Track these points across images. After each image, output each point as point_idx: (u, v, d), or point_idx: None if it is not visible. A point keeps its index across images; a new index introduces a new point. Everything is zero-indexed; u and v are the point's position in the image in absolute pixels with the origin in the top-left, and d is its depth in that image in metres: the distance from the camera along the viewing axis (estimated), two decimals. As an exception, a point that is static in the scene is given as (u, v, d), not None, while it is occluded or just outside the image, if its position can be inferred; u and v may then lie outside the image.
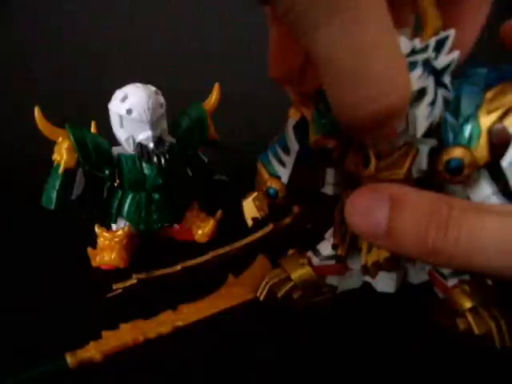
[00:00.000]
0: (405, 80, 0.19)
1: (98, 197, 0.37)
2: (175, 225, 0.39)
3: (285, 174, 0.32)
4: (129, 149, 0.35)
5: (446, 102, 0.25)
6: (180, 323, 0.32)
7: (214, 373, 0.29)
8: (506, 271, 0.19)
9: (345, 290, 0.34)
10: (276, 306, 0.32)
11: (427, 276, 0.32)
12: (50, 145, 0.35)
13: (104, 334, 0.31)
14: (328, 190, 0.32)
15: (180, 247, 0.39)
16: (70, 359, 0.29)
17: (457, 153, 0.25)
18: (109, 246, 0.37)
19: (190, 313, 0.33)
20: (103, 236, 0.37)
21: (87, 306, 0.33)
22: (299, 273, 0.32)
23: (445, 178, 0.26)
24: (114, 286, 0.34)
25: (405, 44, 0.23)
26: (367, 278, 0.33)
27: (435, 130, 0.26)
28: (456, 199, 0.20)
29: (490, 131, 0.25)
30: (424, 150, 0.26)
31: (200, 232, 0.39)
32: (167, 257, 0.36)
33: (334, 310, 0.33)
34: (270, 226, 0.36)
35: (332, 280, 0.33)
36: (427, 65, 0.24)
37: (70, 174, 0.34)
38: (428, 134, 0.26)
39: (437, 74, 0.24)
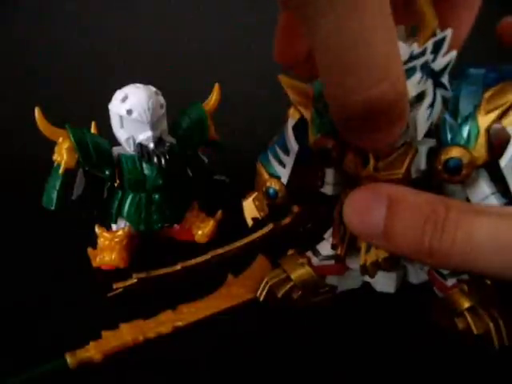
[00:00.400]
0: (397, 69, 0.18)
1: (98, 197, 0.37)
2: (175, 225, 0.39)
3: (284, 174, 0.32)
4: (129, 149, 0.35)
5: (444, 101, 0.25)
6: (180, 323, 0.32)
7: (213, 373, 0.29)
8: (503, 272, 0.19)
9: (344, 290, 0.34)
10: (276, 306, 0.32)
11: (427, 276, 0.32)
12: (51, 145, 0.35)
13: (104, 334, 0.31)
14: (327, 190, 0.32)
15: (180, 247, 0.39)
16: (69, 359, 0.29)
17: (455, 152, 0.25)
18: (109, 247, 0.37)
19: (189, 313, 0.33)
20: (103, 236, 0.37)
21: (87, 306, 0.33)
22: (299, 273, 0.32)
23: (443, 177, 0.26)
24: (115, 286, 0.34)
25: (403, 50, 0.23)
26: (367, 278, 0.33)
27: (434, 130, 0.26)
28: (453, 200, 0.21)
29: (488, 131, 0.25)
30: (423, 149, 0.26)
31: (200, 232, 0.39)
32: (167, 257, 0.36)
33: (334, 309, 0.33)
34: (270, 226, 0.36)
35: (332, 280, 0.33)
36: (425, 67, 0.24)
37: (70, 174, 0.34)
38: (427, 133, 0.26)
39: (435, 76, 0.24)
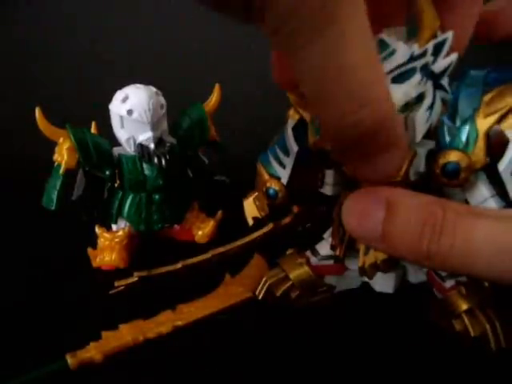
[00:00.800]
0: (379, 94, 0.18)
1: (98, 197, 0.37)
2: (175, 225, 0.39)
3: (284, 174, 0.32)
4: (129, 149, 0.35)
5: (444, 103, 0.25)
6: (179, 323, 0.32)
7: (213, 371, 0.30)
8: (501, 276, 0.19)
9: (343, 290, 0.34)
10: (274, 305, 0.32)
11: (425, 276, 0.32)
12: (51, 145, 0.35)
13: (104, 334, 0.31)
14: (327, 190, 0.32)
15: (180, 248, 0.39)
16: (70, 360, 0.29)
17: (453, 156, 0.25)
18: (109, 247, 0.37)
19: (189, 312, 0.33)
20: (103, 236, 0.37)
21: (87, 306, 0.33)
22: (297, 272, 0.32)
23: (442, 181, 0.26)
24: (116, 283, 0.34)
25: (403, 51, 0.23)
26: (366, 278, 0.33)
27: (433, 132, 0.26)
28: (451, 202, 0.20)
29: (487, 134, 0.25)
30: (422, 152, 0.26)
31: (200, 232, 0.39)
32: (167, 257, 0.36)
33: (333, 309, 0.33)
34: (270, 226, 0.36)
35: (330, 280, 0.33)
36: (425, 69, 0.24)
37: (70, 174, 0.34)
38: (426, 135, 0.26)
39: (435, 78, 0.24)
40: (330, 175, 0.32)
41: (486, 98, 0.25)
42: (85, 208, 0.36)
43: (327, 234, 0.34)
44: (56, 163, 0.34)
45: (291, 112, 0.31)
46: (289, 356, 0.30)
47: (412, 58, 0.23)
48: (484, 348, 0.28)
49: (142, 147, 0.35)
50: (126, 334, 0.31)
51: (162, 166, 0.35)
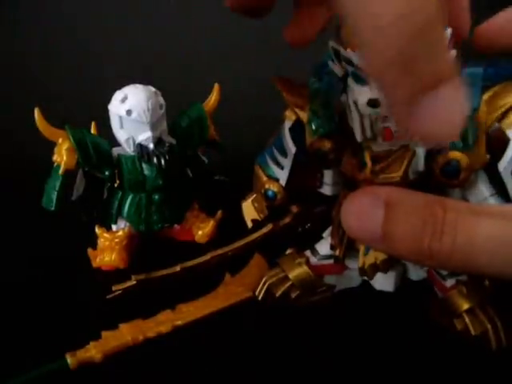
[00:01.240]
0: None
1: (98, 197, 0.37)
2: (175, 225, 0.39)
3: (283, 176, 0.32)
4: (129, 149, 0.35)
5: None
6: (179, 322, 0.32)
7: (213, 371, 0.30)
8: (503, 271, 0.19)
9: (343, 289, 0.34)
10: (274, 305, 0.32)
11: (426, 273, 0.32)
12: (51, 145, 0.35)
13: (104, 334, 0.31)
14: (326, 190, 0.32)
15: (180, 248, 0.39)
16: (70, 359, 0.29)
17: (454, 156, 0.25)
18: (109, 247, 0.37)
19: (188, 312, 0.33)
20: (103, 237, 0.37)
21: (87, 306, 0.34)
22: (297, 272, 0.32)
23: (441, 181, 0.26)
24: (113, 288, 0.34)
25: None
26: (366, 278, 0.33)
27: None
28: (451, 200, 0.20)
29: (487, 134, 0.25)
30: (421, 151, 0.26)
31: (200, 232, 0.39)
32: (167, 257, 0.36)
33: (333, 308, 0.33)
34: (269, 226, 0.36)
35: (330, 279, 0.33)
36: None
37: (70, 174, 0.34)
38: None
39: None
40: (328, 175, 0.32)
41: (486, 96, 0.25)
42: (84, 208, 0.36)
43: (327, 234, 0.34)
44: (55, 164, 0.35)
45: (288, 113, 0.31)
46: (289, 356, 0.30)
47: None
48: (485, 347, 0.28)
49: (141, 147, 0.35)
50: (126, 333, 0.31)
51: (162, 166, 0.35)
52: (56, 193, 0.34)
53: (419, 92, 0.17)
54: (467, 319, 0.28)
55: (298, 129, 0.30)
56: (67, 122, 0.35)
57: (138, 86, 0.35)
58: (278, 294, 0.32)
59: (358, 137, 0.26)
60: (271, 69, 0.31)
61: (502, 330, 0.28)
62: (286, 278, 0.32)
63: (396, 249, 0.20)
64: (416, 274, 0.33)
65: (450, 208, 0.20)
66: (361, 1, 0.17)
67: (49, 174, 0.35)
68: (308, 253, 0.33)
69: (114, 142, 0.36)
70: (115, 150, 0.36)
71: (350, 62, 0.24)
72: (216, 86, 0.39)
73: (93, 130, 0.39)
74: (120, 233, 0.37)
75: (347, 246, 0.30)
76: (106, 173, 0.36)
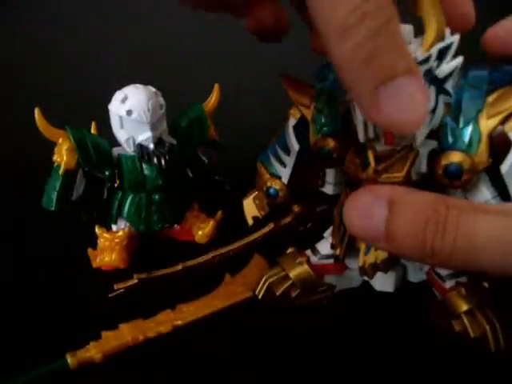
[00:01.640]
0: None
1: (98, 198, 0.37)
2: (175, 225, 0.39)
3: (285, 173, 0.32)
4: (129, 150, 0.35)
5: (447, 105, 0.25)
6: (179, 322, 0.32)
7: (213, 371, 0.30)
8: (504, 270, 0.20)
9: (343, 289, 0.34)
10: (274, 304, 0.32)
11: (425, 275, 0.32)
12: (51, 145, 0.35)
13: (104, 334, 0.31)
14: (328, 189, 0.32)
15: (180, 248, 0.39)
16: (70, 359, 0.29)
17: (456, 158, 0.25)
18: (109, 247, 0.37)
19: (189, 312, 0.33)
20: (103, 237, 0.37)
21: (87, 306, 0.33)
22: (297, 271, 0.32)
23: (444, 182, 0.26)
24: (116, 286, 0.34)
25: None
26: (366, 277, 0.33)
27: (436, 132, 0.26)
28: (454, 199, 0.20)
29: (490, 136, 0.25)
30: (424, 152, 0.26)
31: (200, 233, 0.39)
32: (167, 257, 0.36)
33: (333, 308, 0.33)
34: (271, 225, 0.37)
35: (330, 279, 0.33)
36: (429, 74, 0.23)
37: (70, 175, 0.34)
38: (429, 135, 0.26)
39: (439, 82, 0.24)
40: (330, 174, 0.32)
41: (490, 99, 0.25)
42: (84, 208, 0.36)
43: (327, 233, 0.34)
44: (55, 164, 0.34)
45: (292, 110, 0.31)
46: (289, 355, 0.30)
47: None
48: (484, 349, 0.28)
49: (141, 147, 0.35)
50: (126, 333, 0.31)
51: (162, 166, 0.35)
52: (56, 193, 0.34)
53: (380, 83, 0.19)
54: (466, 321, 0.28)
55: (302, 127, 0.30)
56: (67, 122, 0.35)
57: (138, 86, 0.35)
58: (278, 293, 0.32)
59: (361, 137, 0.26)
60: (271, 69, 0.31)
61: (500, 331, 0.28)
62: (287, 277, 0.32)
63: (398, 247, 0.20)
64: (415, 275, 0.33)
65: (452, 206, 0.20)
66: (326, 5, 0.19)
67: (49, 174, 0.35)
68: (309, 252, 0.33)
69: (114, 142, 0.36)
70: (115, 150, 0.36)
71: None
72: (216, 86, 0.39)
73: (93, 130, 0.39)
74: (120, 233, 0.37)
75: (348, 245, 0.30)
76: (106, 173, 0.36)
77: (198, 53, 0.69)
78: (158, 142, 0.35)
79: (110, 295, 0.33)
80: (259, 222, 0.35)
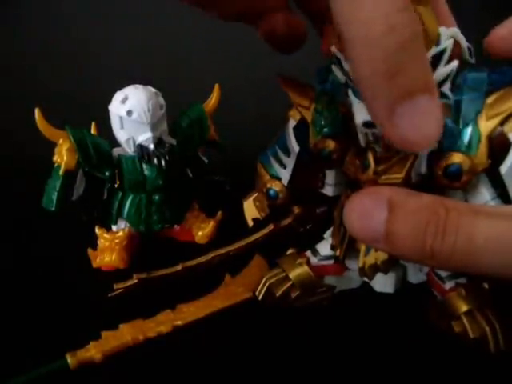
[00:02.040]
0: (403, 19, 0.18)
1: (98, 198, 0.37)
2: (175, 226, 0.39)
3: (285, 175, 0.32)
4: (129, 150, 0.35)
5: (446, 107, 0.25)
6: (179, 322, 0.32)
7: (213, 372, 0.30)
8: (504, 272, 0.20)
9: (343, 290, 0.34)
10: (274, 305, 0.32)
11: (425, 276, 0.32)
12: (51, 145, 0.35)
13: (104, 334, 0.31)
14: (328, 191, 0.32)
15: (180, 248, 0.39)
16: (70, 359, 0.29)
17: (456, 159, 0.25)
18: (109, 248, 0.37)
19: (189, 312, 0.33)
20: (103, 237, 0.37)
21: (87, 306, 0.34)
22: (297, 272, 0.32)
23: (443, 183, 0.26)
24: (115, 286, 0.34)
25: None
26: (366, 278, 0.33)
27: None
28: (453, 201, 0.21)
29: (489, 137, 0.25)
30: (424, 153, 0.26)
31: (200, 233, 0.39)
32: (167, 258, 0.36)
33: (333, 309, 0.33)
34: (271, 227, 0.37)
35: (330, 280, 0.33)
36: None
37: (70, 175, 0.34)
38: None
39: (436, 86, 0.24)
40: (330, 176, 0.32)
41: (489, 100, 0.25)
42: (85, 208, 0.36)
43: (327, 234, 0.34)
44: (56, 164, 0.35)
45: (292, 112, 0.31)
46: (289, 356, 0.30)
47: None
48: (483, 350, 0.28)
49: (141, 148, 0.35)
50: (126, 333, 0.31)
51: (162, 167, 0.35)
52: (56, 193, 0.34)
53: (399, 99, 0.19)
54: (466, 322, 0.28)
55: (302, 128, 0.30)
56: (67, 122, 0.35)
57: (138, 86, 0.35)
58: (278, 294, 0.32)
59: (362, 141, 0.26)
60: (271, 69, 0.31)
61: (500, 332, 0.28)
62: (287, 278, 0.32)
63: (398, 249, 0.20)
64: (415, 276, 0.33)
65: (452, 209, 0.20)
66: (355, 11, 0.18)
67: (49, 175, 0.35)
68: (309, 253, 0.33)
69: (115, 143, 0.36)
70: (115, 151, 0.36)
71: (348, 75, 0.24)
72: (216, 86, 0.39)
73: (93, 131, 0.39)
74: (120, 233, 0.37)
75: (348, 246, 0.31)
76: (107, 173, 0.36)
77: (198, 53, 0.69)
78: (158, 142, 0.35)
79: (109, 295, 0.33)
80: (259, 223, 0.35)
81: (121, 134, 0.35)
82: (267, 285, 0.32)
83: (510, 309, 0.29)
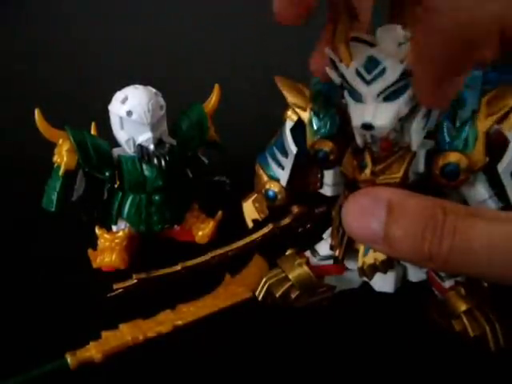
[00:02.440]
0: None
1: (98, 198, 0.37)
2: (175, 226, 0.39)
3: (283, 176, 0.32)
4: (129, 150, 0.35)
5: None
6: (179, 322, 0.32)
7: (213, 372, 0.30)
8: (501, 276, 0.20)
9: (343, 290, 0.34)
10: (274, 305, 0.33)
11: (425, 275, 0.32)
12: (51, 145, 0.35)
13: (104, 334, 0.31)
14: (326, 191, 0.32)
15: (180, 248, 0.39)
16: (70, 359, 0.29)
17: (453, 158, 0.25)
18: (109, 248, 0.37)
19: (189, 312, 0.33)
20: (104, 237, 0.37)
21: (87, 306, 0.34)
22: (297, 272, 0.32)
23: (440, 182, 0.26)
24: (115, 286, 0.34)
25: (394, 68, 0.22)
26: (366, 278, 0.33)
27: (433, 132, 0.26)
28: (452, 204, 0.21)
29: (487, 135, 0.25)
30: (421, 152, 0.26)
31: (200, 233, 0.39)
32: (168, 258, 0.36)
33: (333, 309, 0.33)
34: (270, 227, 0.37)
35: (330, 280, 0.33)
36: None
37: (70, 175, 0.34)
38: (426, 136, 0.26)
39: None
40: (329, 176, 0.32)
41: (486, 98, 0.25)
42: (85, 209, 0.36)
43: (327, 234, 0.34)
44: (55, 164, 0.35)
45: (289, 113, 0.31)
46: (289, 356, 0.30)
47: (404, 74, 0.22)
48: (483, 348, 0.28)
49: (141, 148, 0.35)
50: (126, 333, 0.31)
51: (162, 167, 0.35)
52: (56, 194, 0.34)
53: None
54: (465, 320, 0.28)
55: (299, 129, 0.30)
56: (67, 122, 0.35)
57: (138, 86, 0.35)
58: (277, 295, 0.32)
59: (359, 142, 0.26)
60: (271, 69, 0.31)
61: (500, 331, 0.28)
62: (286, 279, 0.32)
63: (396, 250, 0.20)
64: (415, 275, 0.33)
65: (450, 211, 0.20)
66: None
67: (49, 175, 0.35)
68: (308, 253, 0.33)
69: (114, 143, 0.36)
70: (115, 151, 0.36)
71: (343, 77, 0.24)
72: (216, 86, 0.39)
73: (93, 131, 0.39)
74: (120, 233, 0.37)
75: (347, 246, 0.31)
76: (107, 173, 0.36)
77: (198, 53, 0.69)
78: (158, 142, 0.35)
79: (108, 295, 0.33)
80: (259, 225, 0.35)
81: (121, 135, 0.35)
82: (267, 285, 0.33)
83: (509, 307, 0.29)
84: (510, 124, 0.25)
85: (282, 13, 0.24)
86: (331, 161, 0.29)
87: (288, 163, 0.31)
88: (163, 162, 0.35)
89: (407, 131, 0.24)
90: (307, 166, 0.31)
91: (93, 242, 0.38)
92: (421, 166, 0.26)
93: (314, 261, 0.33)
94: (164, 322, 0.32)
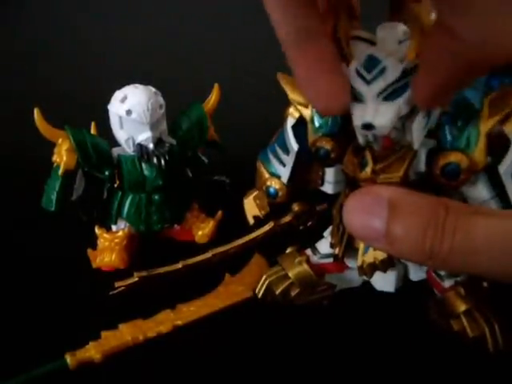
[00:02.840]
0: None
1: (97, 198, 0.37)
2: (175, 226, 0.39)
3: (284, 173, 0.32)
4: (129, 150, 0.35)
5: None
6: (179, 322, 0.32)
7: (213, 371, 0.30)
8: (501, 274, 0.20)
9: (343, 289, 0.34)
10: (274, 303, 0.32)
11: (425, 274, 0.32)
12: (51, 145, 0.35)
13: (104, 334, 0.31)
14: (328, 188, 0.32)
15: (180, 248, 0.39)
16: (69, 359, 0.29)
17: (454, 157, 0.25)
18: (109, 248, 0.37)
19: (189, 312, 0.33)
20: (103, 237, 0.37)
21: (87, 306, 0.34)
22: (297, 270, 0.32)
23: (441, 182, 0.26)
24: (116, 284, 0.34)
25: (395, 67, 0.22)
26: (365, 277, 0.33)
27: (434, 131, 0.26)
28: (454, 202, 0.20)
29: (488, 135, 0.25)
30: (422, 152, 0.26)
31: (200, 233, 0.39)
32: (167, 257, 0.36)
33: (333, 307, 0.33)
34: (271, 224, 0.37)
35: (331, 278, 0.33)
36: None
37: (69, 175, 0.34)
38: (427, 135, 0.26)
39: None
40: (330, 173, 0.32)
41: (489, 99, 0.25)
42: (84, 208, 0.36)
43: (327, 233, 0.33)
44: (55, 164, 0.34)
45: (291, 110, 0.31)
46: (289, 355, 0.30)
47: (404, 73, 0.22)
48: (482, 348, 0.28)
49: (141, 147, 0.35)
50: (126, 333, 0.31)
51: (162, 167, 0.35)
52: (56, 193, 0.34)
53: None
54: (464, 321, 0.28)
55: (300, 126, 0.30)
56: (67, 122, 0.35)
57: (137, 86, 0.34)
58: (277, 292, 0.32)
59: (361, 141, 0.26)
60: (271, 68, 0.31)
61: (499, 331, 0.28)
62: (286, 277, 0.32)
63: (397, 249, 0.20)
64: (416, 274, 0.33)
65: (451, 209, 0.20)
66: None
67: (49, 175, 0.35)
68: (308, 251, 0.33)
69: (114, 143, 0.36)
70: (115, 151, 0.36)
71: None
72: (216, 86, 0.39)
73: (93, 131, 0.39)
74: (120, 233, 0.37)
75: (346, 244, 0.30)
76: (106, 173, 0.36)
77: (198, 53, 0.69)
78: (158, 142, 0.35)
79: (110, 293, 0.33)
80: (260, 222, 0.35)
81: (120, 134, 0.35)
82: (267, 282, 0.32)
83: (508, 309, 0.29)
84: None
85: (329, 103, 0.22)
86: (332, 159, 0.29)
87: (289, 160, 0.31)
88: (163, 162, 0.35)
89: (408, 130, 0.24)
90: (308, 163, 0.31)
91: (92, 241, 0.38)
92: (422, 166, 0.26)
93: (314, 259, 0.33)
94: (164, 321, 0.32)
